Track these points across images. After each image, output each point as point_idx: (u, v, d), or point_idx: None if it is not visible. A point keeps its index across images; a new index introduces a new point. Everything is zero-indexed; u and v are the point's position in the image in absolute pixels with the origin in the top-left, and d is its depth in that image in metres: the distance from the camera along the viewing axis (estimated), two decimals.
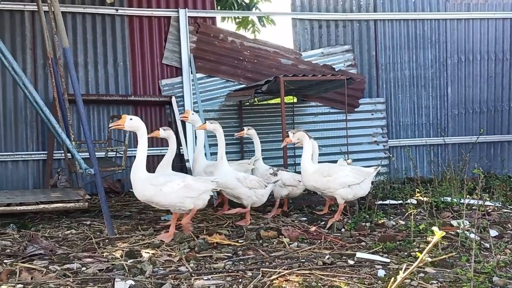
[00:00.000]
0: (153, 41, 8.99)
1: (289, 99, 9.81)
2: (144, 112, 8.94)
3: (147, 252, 4.80)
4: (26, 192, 7.23)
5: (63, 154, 7.87)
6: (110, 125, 5.57)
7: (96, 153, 6.26)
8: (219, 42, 9.26)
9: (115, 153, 7.62)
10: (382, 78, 9.87)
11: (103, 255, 4.70)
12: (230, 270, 4.26)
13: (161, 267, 4.36)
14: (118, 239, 5.38)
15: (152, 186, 5.19)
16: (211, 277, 4.09)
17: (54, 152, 8.16)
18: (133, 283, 3.85)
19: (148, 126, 8.85)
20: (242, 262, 4.53)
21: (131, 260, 4.51)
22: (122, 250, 4.82)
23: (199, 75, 9.10)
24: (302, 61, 9.56)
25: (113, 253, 4.78)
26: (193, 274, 4.14)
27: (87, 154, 6.21)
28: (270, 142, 9.11)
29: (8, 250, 4.88)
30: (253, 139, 7.10)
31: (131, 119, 5.25)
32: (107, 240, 5.31)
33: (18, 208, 6.00)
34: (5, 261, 4.50)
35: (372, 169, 6.23)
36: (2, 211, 5.98)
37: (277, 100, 9.47)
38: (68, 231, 5.78)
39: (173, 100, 8.75)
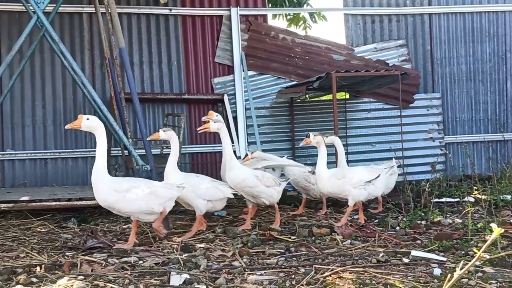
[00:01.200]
0: (205, 40, 9.12)
1: (341, 95, 9.72)
2: (197, 110, 9.07)
3: (201, 247, 4.89)
4: (85, 188, 7.49)
5: (120, 151, 8.12)
6: (66, 126, 5.16)
7: (152, 150, 6.43)
8: (270, 39, 9.29)
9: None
10: (437, 73, 9.63)
11: (159, 249, 4.82)
12: (283, 266, 4.27)
13: (215, 262, 4.43)
14: (173, 233, 5.49)
15: (115, 192, 4.87)
16: (264, 272, 4.12)
17: (112, 149, 8.41)
18: (188, 276, 3.93)
19: (202, 124, 9.01)
20: (295, 259, 4.54)
21: (186, 254, 4.61)
22: (177, 245, 4.92)
23: (250, 73, 9.15)
24: (354, 56, 9.45)
25: (169, 248, 4.89)
26: (246, 269, 4.19)
27: (143, 151, 6.39)
28: None
29: (70, 243, 5.09)
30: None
31: (87, 119, 4.93)
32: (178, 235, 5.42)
33: (78, 203, 6.23)
34: (67, 253, 4.69)
35: (383, 166, 6.21)
36: (63, 206, 6.23)
37: (329, 97, 9.40)
38: (126, 226, 5.96)
39: (225, 98, 8.85)
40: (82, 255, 4.63)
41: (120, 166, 8.12)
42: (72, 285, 3.71)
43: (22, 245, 5.10)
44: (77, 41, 8.62)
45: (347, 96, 9.60)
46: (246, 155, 6.43)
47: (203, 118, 6.26)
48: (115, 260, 4.46)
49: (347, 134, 9.19)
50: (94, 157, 8.04)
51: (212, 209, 5.73)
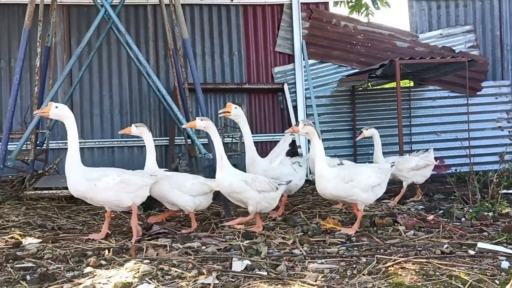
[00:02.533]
0: (266, 29, 9.14)
1: (405, 83, 9.48)
2: (257, 99, 9.13)
3: (262, 234, 4.94)
4: None
5: (183, 140, 8.31)
6: (34, 112, 5.04)
7: None
8: (332, 27, 9.19)
9: (231, 138, 7.88)
10: (507, 60, 9.22)
11: (221, 236, 4.92)
12: (344, 255, 4.25)
13: (276, 249, 4.47)
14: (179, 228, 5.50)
15: (86, 180, 4.77)
16: (325, 261, 4.11)
17: (175, 138, 8.62)
18: (249, 263, 3.99)
19: (262, 113, 9.11)
20: (356, 248, 4.50)
21: (247, 241, 4.67)
22: (239, 231, 5.00)
23: (311, 61, 9.10)
24: (419, 43, 9.19)
25: (230, 234, 4.97)
26: (307, 257, 4.20)
27: (206, 140, 6.50)
28: (383, 128, 8.91)
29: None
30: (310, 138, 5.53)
31: (56, 107, 4.78)
32: (224, 221, 5.52)
33: None
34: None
35: (388, 165, 5.60)
36: None
37: (392, 85, 9.20)
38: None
39: (285, 87, 8.86)
40: (148, 240, 4.79)
41: (184, 155, 8.31)
42: (138, 269, 3.86)
43: (92, 229, 5.34)
44: (142, 33, 8.86)
45: (411, 84, 9.35)
46: (297, 124, 5.53)
47: (220, 112, 5.86)
48: (179, 245, 4.58)
49: (411, 123, 8.98)
50: (158, 145, 8.16)
51: (199, 206, 5.34)
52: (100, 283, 3.58)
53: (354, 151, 8.96)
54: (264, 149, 9.02)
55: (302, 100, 8.97)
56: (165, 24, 7.68)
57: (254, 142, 8.94)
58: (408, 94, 9.05)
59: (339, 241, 4.73)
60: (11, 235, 4.90)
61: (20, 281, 3.66)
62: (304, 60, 9.02)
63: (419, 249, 4.40)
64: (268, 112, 9.10)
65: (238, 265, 3.94)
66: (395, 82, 7.38)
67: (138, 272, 3.79)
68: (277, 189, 5.18)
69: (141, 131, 5.32)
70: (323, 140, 8.27)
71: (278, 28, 9.13)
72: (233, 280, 3.66)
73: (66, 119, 4.81)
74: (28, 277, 3.73)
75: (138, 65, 7.67)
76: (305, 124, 4.99)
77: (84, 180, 4.76)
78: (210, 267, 3.92)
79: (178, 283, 3.58)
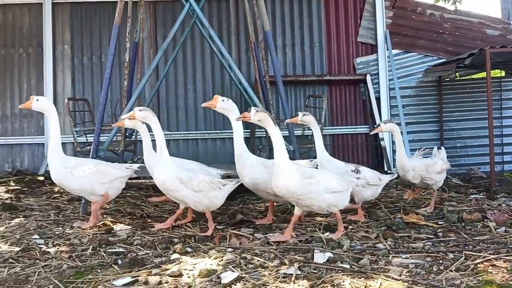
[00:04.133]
0: (348, 20, 9.00)
1: (496, 73, 9.02)
2: (338, 91, 9.03)
3: (344, 227, 4.89)
4: (232, 167, 7.85)
5: (263, 132, 8.38)
6: (20, 105, 5.19)
7: (294, 131, 6.55)
8: (417, 16, 8.90)
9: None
10: None
11: (302, 227, 4.92)
12: (429, 251, 4.12)
13: (358, 243, 4.41)
14: (316, 214, 5.53)
15: (64, 168, 4.96)
16: (410, 256, 4.01)
17: (256, 130, 8.72)
18: (331, 255, 3.97)
19: (343, 105, 9.00)
20: (443, 244, 4.35)
21: (328, 233, 4.65)
22: (320, 224, 4.98)
23: (395, 51, 8.87)
24: (511, 31, 8.68)
25: (311, 226, 4.97)
26: (390, 252, 4.11)
27: (286, 131, 6.53)
28: (472, 121, 8.53)
29: (219, 218, 5.39)
30: (311, 127, 5.47)
31: (37, 100, 5.00)
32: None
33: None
34: (217, 227, 4.99)
35: (353, 179, 4.91)
36: None
37: (482, 75, 8.78)
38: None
39: (368, 78, 8.69)
40: (231, 229, 4.89)
41: (264, 147, 8.38)
42: (222, 257, 3.95)
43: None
44: (224, 27, 9.02)
45: (503, 74, 8.86)
46: (297, 115, 5.34)
47: (203, 104, 5.23)
48: (261, 235, 4.64)
49: (502, 115, 8.52)
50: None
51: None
52: (186, 269, 3.71)
53: (440, 143, 8.64)
54: (345, 141, 8.92)
55: (385, 91, 8.76)
56: (247, 17, 7.77)
57: (335, 134, 8.93)
58: (499, 84, 8.59)
59: (425, 236, 4.59)
60: (103, 222, 5.18)
61: (112, 265, 3.86)
62: (387, 50, 8.80)
63: (510, 246, 4.18)
64: (350, 104, 8.97)
65: (320, 257, 3.93)
66: (485, 72, 7.02)
67: (222, 260, 3.88)
68: (220, 188, 4.79)
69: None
70: (408, 132, 8.05)
71: (361, 18, 8.96)
72: (315, 271, 3.65)
73: (47, 111, 5.08)
74: (119, 261, 3.94)
75: (221, 58, 7.82)
76: (257, 111, 4.49)
77: (62, 169, 4.96)
78: (292, 257, 3.94)
79: (260, 272, 3.63)
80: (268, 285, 3.39)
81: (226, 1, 9.03)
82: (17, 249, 4.29)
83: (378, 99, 8.76)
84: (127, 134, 7.54)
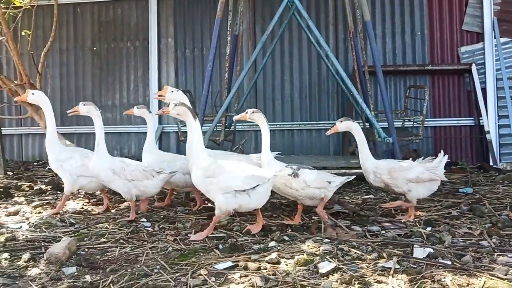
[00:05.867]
0: (452, 7, 8.63)
1: None
2: (441, 81, 8.70)
3: (446, 223, 4.75)
4: (328, 158, 7.87)
5: (361, 124, 8.26)
6: (15, 98, 5.51)
7: (394, 123, 6.41)
8: None
9: (412, 123, 7.64)
10: None
11: (401, 221, 4.83)
12: None
13: (461, 239, 4.26)
14: (417, 208, 5.39)
15: (57, 161, 5.22)
16: None
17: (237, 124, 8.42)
18: (431, 251, 3.87)
19: (445, 96, 8.65)
20: None
21: (429, 229, 4.53)
22: (420, 218, 4.86)
23: (503, 40, 8.37)
24: None
25: (411, 221, 4.86)
26: (496, 250, 3.93)
27: (385, 123, 6.41)
28: None
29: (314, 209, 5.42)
30: (259, 125, 4.90)
31: (33, 93, 5.23)
32: (403, 207, 5.40)
33: None
34: (313, 217, 5.03)
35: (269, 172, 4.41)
36: None
37: None
38: (367, 196, 6.10)
39: (473, 67, 8.28)
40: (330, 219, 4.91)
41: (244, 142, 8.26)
42: (319, 247, 3.99)
43: (276, 207, 5.63)
44: (321, 17, 8.99)
45: None
46: (246, 112, 4.85)
47: (154, 96, 5.69)
48: (358, 228, 4.62)
49: None
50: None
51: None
52: (283, 257, 3.79)
53: None
54: (448, 133, 8.59)
55: (492, 82, 8.30)
56: (346, 7, 7.68)
57: (437, 126, 8.61)
58: None
59: None
60: (210, 206, 5.40)
61: (214, 249, 4.04)
62: (495, 38, 8.32)
63: None
64: (453, 95, 8.60)
65: (419, 252, 3.85)
66: None
67: (319, 250, 3.92)
68: (153, 177, 5.03)
69: (142, 112, 5.58)
70: None
71: (466, 5, 8.54)
72: (415, 266, 3.59)
73: (43, 104, 5.30)
74: (220, 246, 4.10)
75: (318, 48, 7.82)
76: (175, 105, 4.34)
77: (56, 161, 5.25)
78: (390, 251, 3.89)
79: (358, 264, 3.62)
80: (366, 277, 3.38)
81: None
82: (127, 230, 4.61)
83: (484, 90, 8.32)
84: (226, 124, 7.78)
